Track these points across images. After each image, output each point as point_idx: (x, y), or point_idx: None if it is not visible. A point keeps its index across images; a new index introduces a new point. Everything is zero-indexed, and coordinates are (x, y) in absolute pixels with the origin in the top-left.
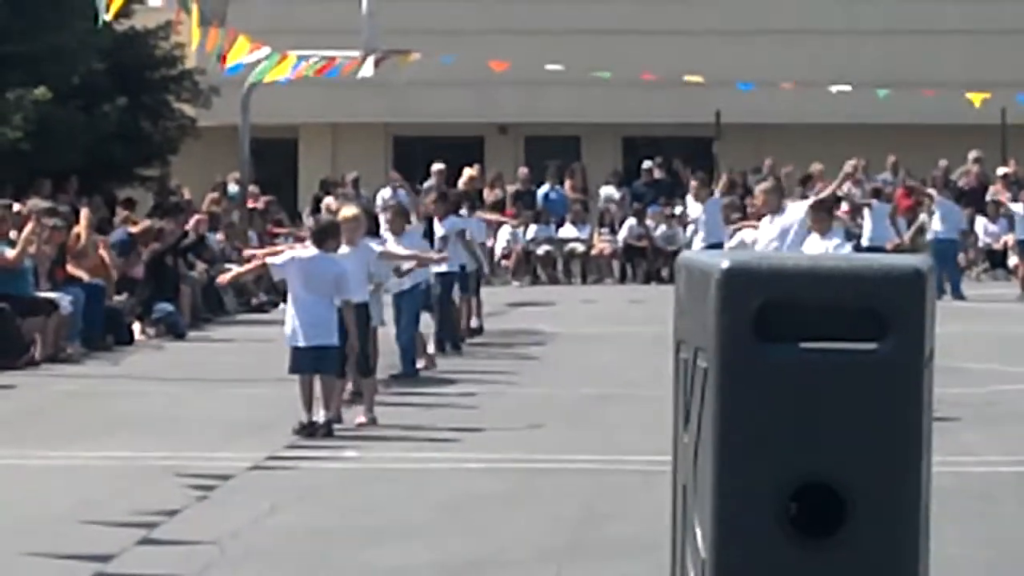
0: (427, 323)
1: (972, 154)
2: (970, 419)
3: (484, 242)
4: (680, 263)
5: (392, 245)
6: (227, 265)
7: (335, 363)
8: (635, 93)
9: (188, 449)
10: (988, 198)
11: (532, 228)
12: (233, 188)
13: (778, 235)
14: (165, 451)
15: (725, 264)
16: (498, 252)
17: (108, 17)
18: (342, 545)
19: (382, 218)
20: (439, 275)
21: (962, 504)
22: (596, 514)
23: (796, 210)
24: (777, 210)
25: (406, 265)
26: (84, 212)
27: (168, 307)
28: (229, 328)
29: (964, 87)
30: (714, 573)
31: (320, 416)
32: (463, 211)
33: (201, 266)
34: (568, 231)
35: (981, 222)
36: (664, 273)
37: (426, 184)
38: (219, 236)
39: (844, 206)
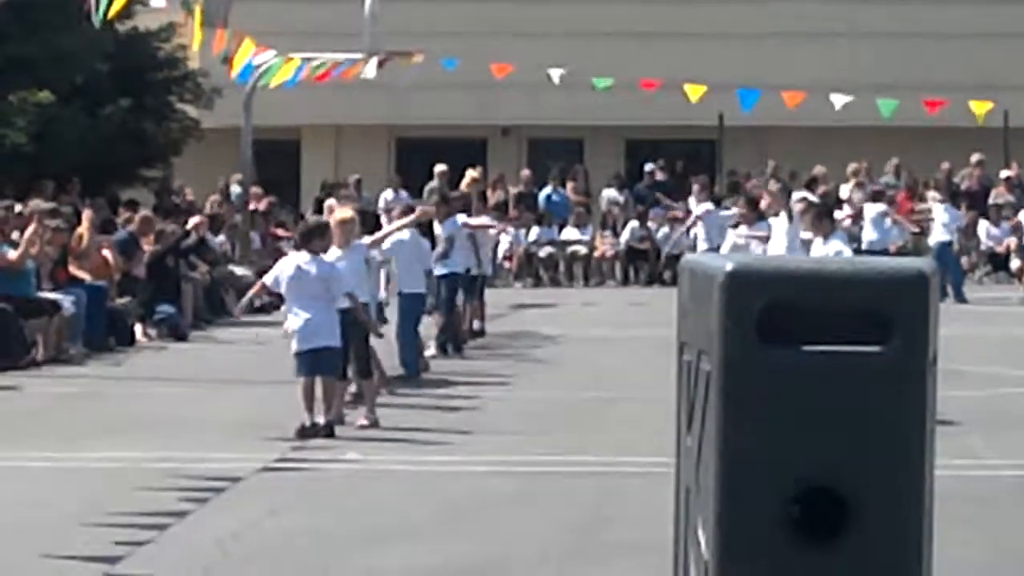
0: (426, 325)
1: (974, 157)
2: (972, 423)
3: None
4: (684, 266)
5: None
6: (229, 267)
7: (336, 365)
8: (637, 96)
9: (190, 451)
10: (990, 201)
11: (534, 230)
12: (236, 190)
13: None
14: (167, 453)
15: (729, 267)
16: (500, 254)
17: (101, 18)
18: (344, 547)
19: (384, 219)
20: (441, 277)
21: (964, 507)
22: (599, 516)
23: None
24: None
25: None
26: (86, 213)
27: (169, 309)
28: (230, 329)
29: (967, 90)
30: (717, 575)
31: (321, 418)
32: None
33: (203, 267)
34: (570, 233)
35: (983, 225)
36: (666, 276)
37: (428, 186)
38: (221, 237)
39: (847, 209)
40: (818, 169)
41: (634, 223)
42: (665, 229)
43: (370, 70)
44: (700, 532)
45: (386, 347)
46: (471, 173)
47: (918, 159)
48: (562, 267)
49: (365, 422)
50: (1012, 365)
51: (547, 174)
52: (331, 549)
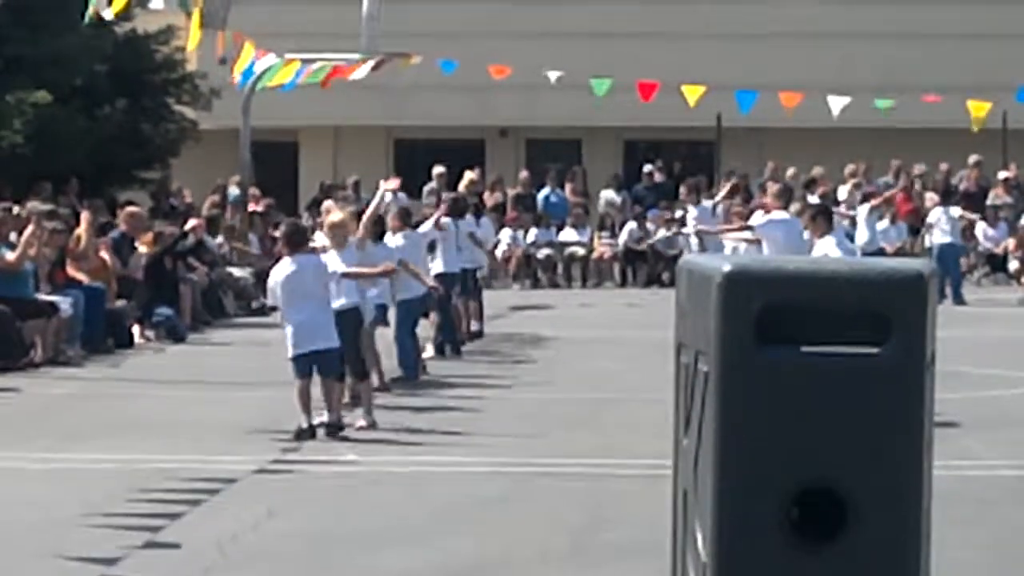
0: (425, 327)
1: (972, 158)
2: (971, 423)
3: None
4: (681, 266)
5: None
6: (228, 269)
7: (335, 365)
8: (636, 96)
9: (188, 452)
10: (988, 202)
11: (532, 231)
12: (234, 191)
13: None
14: (165, 454)
15: (726, 267)
16: (499, 255)
17: (91, 16)
18: (342, 549)
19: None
20: (439, 276)
21: (963, 508)
22: (597, 518)
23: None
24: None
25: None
26: (84, 215)
27: (168, 311)
28: (229, 331)
29: (966, 91)
30: None
31: (325, 417)
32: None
33: (201, 269)
34: (568, 235)
35: (981, 227)
36: (664, 277)
37: (427, 187)
38: (219, 239)
39: (844, 209)
40: (816, 170)
41: (632, 224)
42: (663, 231)
43: (362, 71)
44: (698, 534)
45: (385, 349)
46: (469, 174)
47: (916, 160)
48: (560, 268)
49: (363, 423)
50: (1011, 366)
51: (545, 175)
52: (329, 550)
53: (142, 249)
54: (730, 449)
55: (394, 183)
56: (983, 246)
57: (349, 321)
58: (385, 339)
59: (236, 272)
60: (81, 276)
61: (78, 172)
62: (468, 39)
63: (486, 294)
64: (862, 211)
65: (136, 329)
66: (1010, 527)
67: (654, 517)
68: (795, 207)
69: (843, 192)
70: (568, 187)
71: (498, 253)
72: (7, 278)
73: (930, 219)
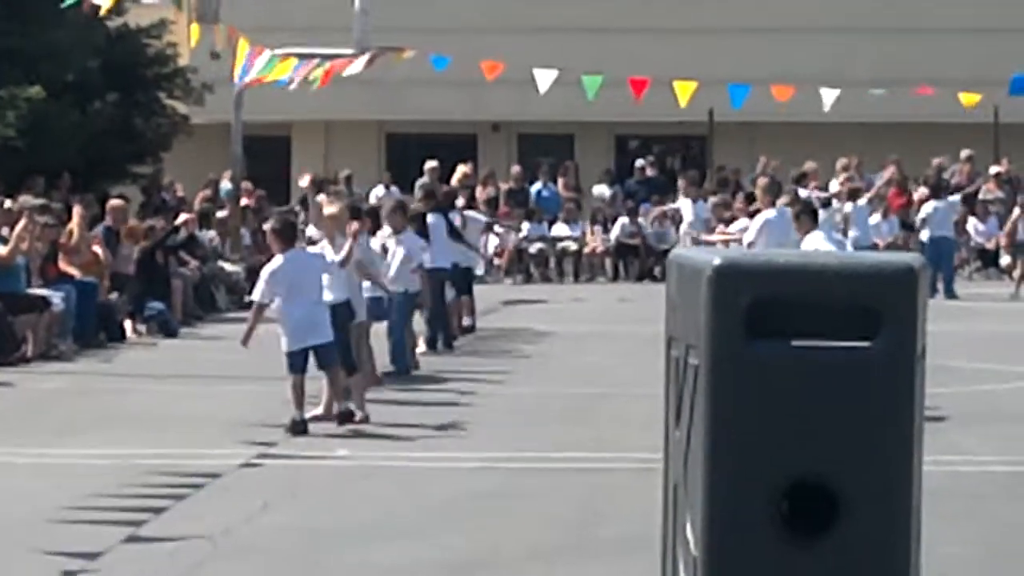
0: (418, 321)
1: (964, 152)
2: (962, 418)
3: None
4: (671, 260)
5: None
6: (219, 263)
7: (335, 356)
8: (628, 91)
9: (180, 447)
10: (979, 196)
11: (525, 226)
12: (226, 186)
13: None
14: (157, 448)
15: (716, 261)
16: (491, 250)
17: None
18: (334, 543)
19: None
20: (429, 271)
21: (953, 503)
22: (589, 512)
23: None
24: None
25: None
26: (77, 209)
27: (159, 306)
28: (221, 326)
29: (958, 85)
30: (705, 571)
31: (320, 410)
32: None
33: (193, 263)
34: (561, 229)
35: (972, 221)
36: (656, 271)
37: (419, 182)
38: (211, 233)
39: (836, 204)
40: (808, 165)
41: (624, 219)
42: (655, 225)
43: (356, 66)
44: (689, 528)
45: (377, 344)
46: (462, 168)
47: (909, 155)
48: (552, 263)
49: (356, 417)
50: (1002, 361)
51: (537, 170)
52: (322, 545)
53: (125, 242)
54: (720, 443)
55: (307, 178)
56: (974, 241)
57: (340, 315)
58: (377, 333)
59: (228, 267)
60: (73, 271)
61: (70, 166)
62: (460, 34)
63: (478, 289)
64: (849, 207)
65: (128, 324)
66: (1001, 523)
67: (647, 511)
68: (783, 199)
69: (834, 186)
70: (560, 182)
71: (491, 249)
72: None
73: (922, 213)
